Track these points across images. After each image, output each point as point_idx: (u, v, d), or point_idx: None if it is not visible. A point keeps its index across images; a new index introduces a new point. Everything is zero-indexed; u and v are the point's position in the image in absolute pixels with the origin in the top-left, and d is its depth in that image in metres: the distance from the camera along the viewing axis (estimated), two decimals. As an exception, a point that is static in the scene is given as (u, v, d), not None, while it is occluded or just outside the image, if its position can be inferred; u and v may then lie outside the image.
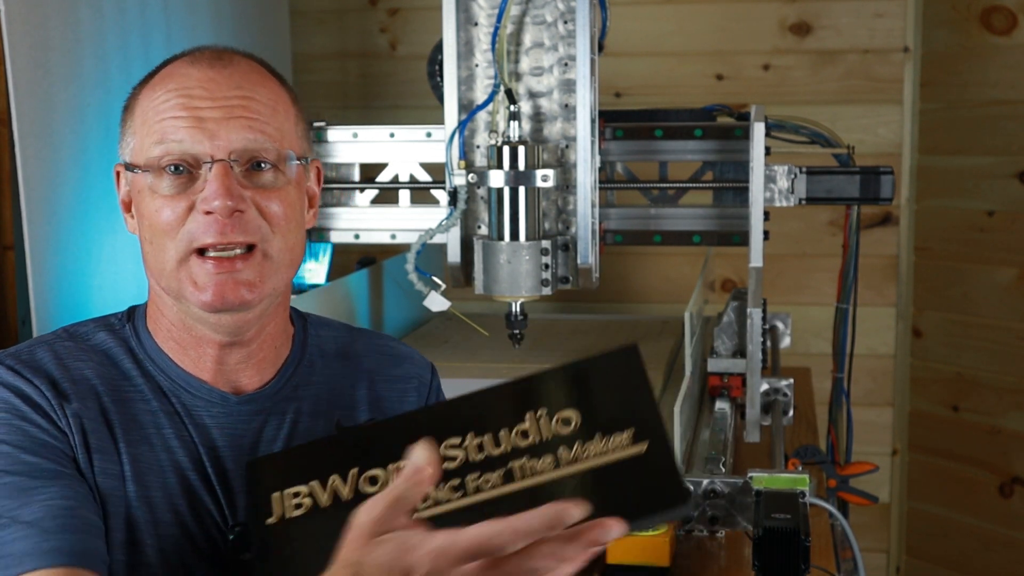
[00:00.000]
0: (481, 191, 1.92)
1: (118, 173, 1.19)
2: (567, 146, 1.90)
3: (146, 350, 1.18)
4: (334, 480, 1.03)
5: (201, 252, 1.11)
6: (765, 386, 1.85)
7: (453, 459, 1.01)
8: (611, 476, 0.98)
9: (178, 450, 1.15)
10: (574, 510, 0.85)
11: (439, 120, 1.92)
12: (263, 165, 1.13)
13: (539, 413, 1.03)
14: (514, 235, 1.82)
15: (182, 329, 1.16)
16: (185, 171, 1.11)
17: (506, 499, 0.98)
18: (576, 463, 0.99)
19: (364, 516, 0.87)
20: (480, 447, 1.02)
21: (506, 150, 1.80)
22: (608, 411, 1.03)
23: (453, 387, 1.95)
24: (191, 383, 1.17)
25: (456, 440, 1.02)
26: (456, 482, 1.00)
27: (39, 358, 1.14)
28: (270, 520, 1.03)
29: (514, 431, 1.02)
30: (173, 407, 1.16)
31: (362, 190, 2.13)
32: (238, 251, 1.11)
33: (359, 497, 1.01)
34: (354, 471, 1.03)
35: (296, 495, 1.03)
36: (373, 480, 1.02)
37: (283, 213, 1.13)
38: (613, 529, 0.86)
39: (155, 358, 1.18)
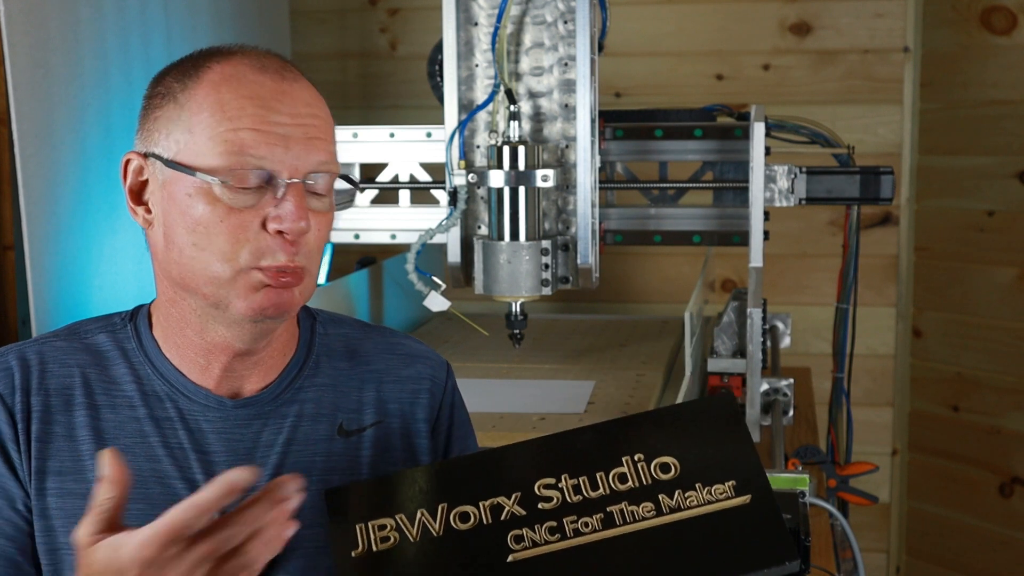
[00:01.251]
0: (481, 191, 1.92)
1: (130, 160, 1.12)
2: (567, 146, 1.90)
3: (145, 352, 1.16)
4: (422, 514, 1.02)
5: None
6: (765, 386, 1.85)
7: (549, 500, 1.00)
8: (714, 526, 0.97)
9: (163, 459, 1.13)
10: (242, 474, 0.88)
11: (439, 120, 1.92)
12: (320, 192, 1.11)
13: (636, 457, 1.02)
14: (514, 235, 1.82)
15: (197, 334, 1.13)
16: (258, 185, 1.07)
17: (608, 544, 0.97)
18: (679, 511, 0.98)
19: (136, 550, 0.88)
20: (576, 488, 1.01)
21: (506, 150, 1.80)
22: (708, 460, 1.01)
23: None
24: (188, 387, 1.15)
25: (551, 480, 1.01)
26: (553, 524, 0.99)
27: (12, 366, 1.13)
28: (355, 552, 1.01)
29: (611, 474, 1.01)
30: (166, 412, 1.14)
31: (362, 190, 2.13)
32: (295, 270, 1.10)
33: (450, 533, 1.00)
34: (443, 506, 1.02)
35: (382, 527, 1.02)
36: (464, 517, 1.01)
37: (325, 236, 1.13)
38: (288, 484, 0.90)
39: (154, 361, 1.16)
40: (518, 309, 1.89)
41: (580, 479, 1.01)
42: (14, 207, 1.73)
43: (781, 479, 1.41)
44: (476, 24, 1.89)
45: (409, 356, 1.28)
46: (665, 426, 1.06)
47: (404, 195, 2.11)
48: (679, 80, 2.89)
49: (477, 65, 1.90)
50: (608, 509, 0.99)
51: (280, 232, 1.07)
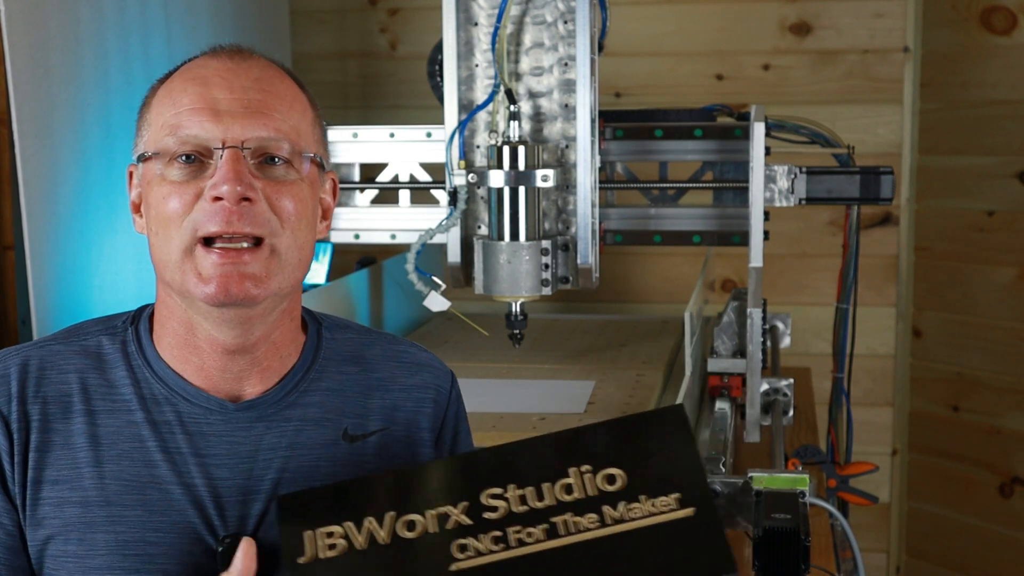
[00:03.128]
0: (481, 191, 1.92)
1: (131, 174, 1.17)
2: (567, 146, 1.90)
3: (145, 355, 1.16)
4: (370, 522, 1.02)
5: (207, 243, 1.08)
6: (765, 386, 1.85)
7: (494, 509, 1.01)
8: (656, 538, 0.98)
9: (161, 464, 1.11)
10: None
11: (439, 120, 1.92)
12: (276, 160, 1.10)
13: (583, 468, 1.03)
14: (514, 235, 1.82)
15: (187, 332, 1.13)
16: (196, 160, 1.08)
17: (550, 554, 0.98)
18: (622, 523, 0.99)
19: None
20: (523, 499, 1.01)
21: (506, 150, 1.80)
22: (654, 472, 1.02)
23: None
24: (188, 391, 1.14)
25: (497, 490, 1.02)
26: (498, 533, 0.99)
27: (10, 373, 1.13)
28: (301, 559, 1.01)
29: (557, 485, 1.02)
30: (165, 416, 1.13)
31: (362, 190, 2.13)
32: (245, 244, 1.08)
33: (397, 541, 1.00)
34: (391, 514, 1.02)
35: (330, 535, 1.02)
36: (411, 525, 1.01)
37: (294, 209, 1.10)
38: None
39: (153, 364, 1.15)
40: (518, 309, 1.89)
41: (527, 489, 1.02)
42: (14, 207, 1.73)
43: (781, 479, 1.41)
44: (476, 24, 1.89)
45: (415, 365, 1.27)
46: (615, 437, 1.06)
47: (404, 195, 2.11)
48: (679, 80, 2.89)
49: (477, 65, 1.90)
50: (552, 520, 0.99)
51: (218, 199, 1.06)
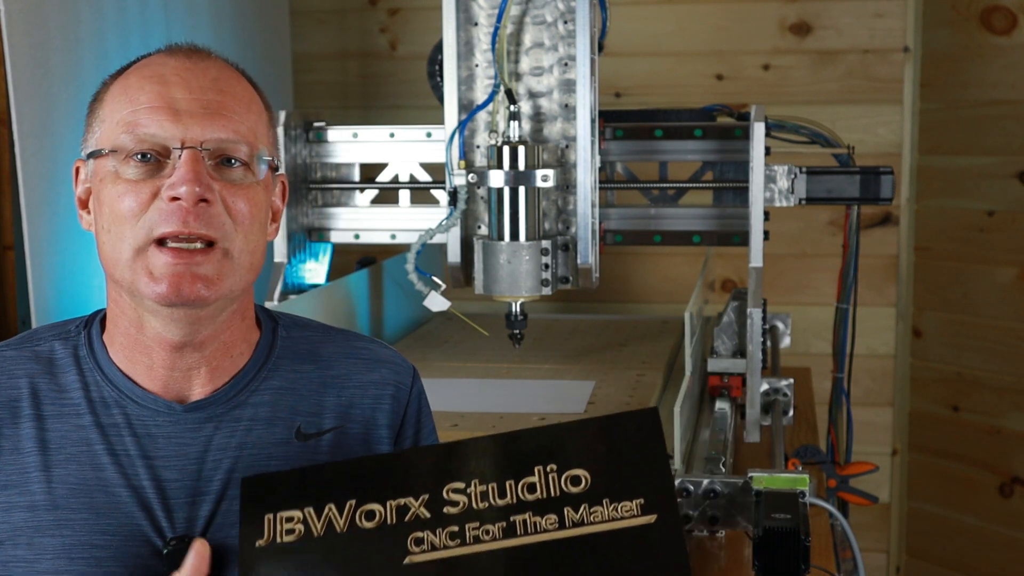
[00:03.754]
0: (481, 191, 1.92)
1: (77, 169, 1.16)
2: (567, 146, 1.90)
3: (96, 359, 1.15)
4: (330, 509, 1.02)
5: (160, 243, 1.06)
6: (765, 386, 1.85)
7: (455, 504, 1.00)
8: (615, 543, 0.97)
9: (108, 467, 1.11)
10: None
11: (439, 120, 1.92)
12: (234, 162, 1.10)
13: (549, 468, 1.02)
14: (514, 235, 1.82)
15: (136, 330, 1.12)
16: (153, 159, 1.07)
17: (505, 553, 0.98)
18: (582, 526, 0.98)
19: None
20: (484, 495, 1.01)
21: (506, 150, 1.80)
22: (620, 475, 1.01)
23: (454, 387, 1.96)
24: (136, 393, 1.13)
25: (460, 485, 1.01)
26: (455, 528, 0.99)
27: None
28: (260, 542, 1.01)
29: (521, 483, 1.01)
30: (113, 418, 1.12)
31: (362, 190, 2.13)
32: (199, 245, 1.07)
33: (354, 530, 1.00)
34: (351, 502, 1.02)
35: (289, 519, 1.02)
36: (370, 515, 1.01)
37: (248, 212, 1.10)
38: None
39: (103, 367, 1.15)
40: (518, 309, 1.89)
41: (490, 485, 1.01)
42: (14, 207, 1.73)
43: (781, 479, 1.41)
44: (476, 24, 1.89)
45: (373, 361, 1.25)
46: (585, 437, 1.05)
47: (404, 195, 2.11)
48: (679, 80, 2.89)
49: (477, 65, 1.90)
50: (512, 518, 0.99)
51: (175, 199, 1.06)
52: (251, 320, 1.20)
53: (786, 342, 2.43)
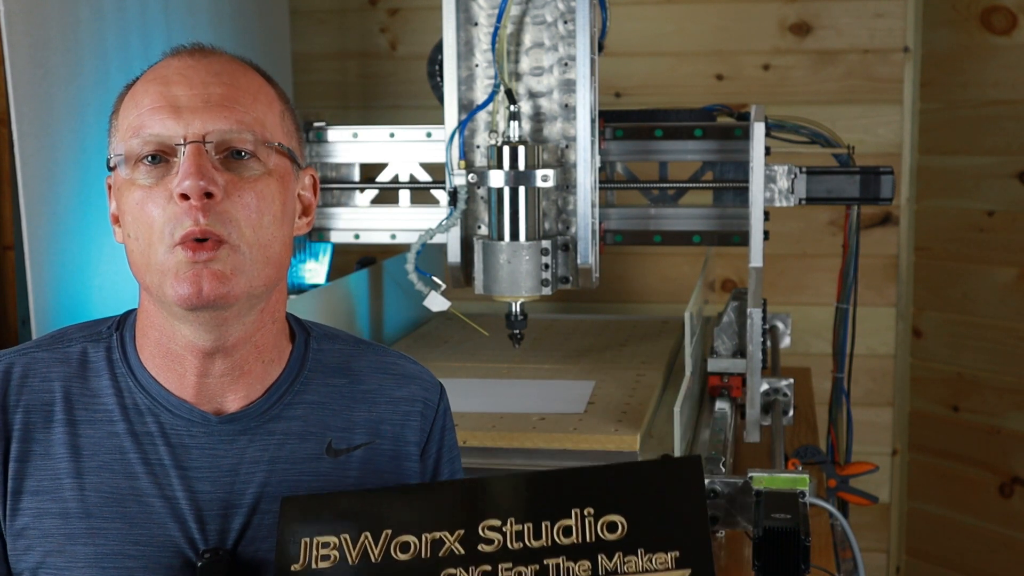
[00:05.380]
0: (481, 191, 1.92)
1: (109, 187, 1.15)
2: (567, 146, 1.90)
3: (129, 364, 1.14)
4: (366, 537, 1.01)
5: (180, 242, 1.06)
6: (765, 386, 1.85)
7: (490, 542, 0.99)
8: None
9: (142, 476, 1.10)
10: None
11: (439, 120, 1.92)
12: (243, 154, 1.08)
13: (586, 511, 1.01)
14: (514, 235, 1.82)
15: (167, 339, 1.11)
16: (161, 160, 1.07)
17: None
18: (615, 575, 0.97)
19: None
20: (519, 535, 1.00)
21: (506, 150, 1.80)
22: (657, 524, 0.99)
23: (453, 387, 1.96)
24: (171, 402, 1.12)
25: (496, 522, 1.01)
26: (487, 568, 0.98)
27: None
28: (295, 567, 1.01)
29: (557, 525, 1.00)
30: (147, 427, 1.12)
31: (362, 190, 2.13)
32: (208, 240, 1.06)
33: (388, 561, 1.00)
34: (387, 532, 1.01)
35: (326, 545, 1.01)
36: (405, 547, 1.01)
37: (256, 205, 1.08)
38: None
39: (137, 373, 1.14)
40: (518, 309, 1.89)
41: (526, 525, 1.00)
42: (14, 207, 1.73)
43: (781, 479, 1.41)
44: (476, 24, 1.89)
45: (403, 376, 1.25)
46: (625, 482, 1.04)
47: (404, 195, 2.11)
48: (679, 80, 2.89)
49: (477, 65, 1.90)
50: (545, 561, 0.98)
51: (184, 197, 1.05)
52: (282, 324, 1.19)
53: (786, 342, 2.43)
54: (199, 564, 1.09)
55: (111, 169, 1.12)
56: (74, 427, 1.11)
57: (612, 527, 0.99)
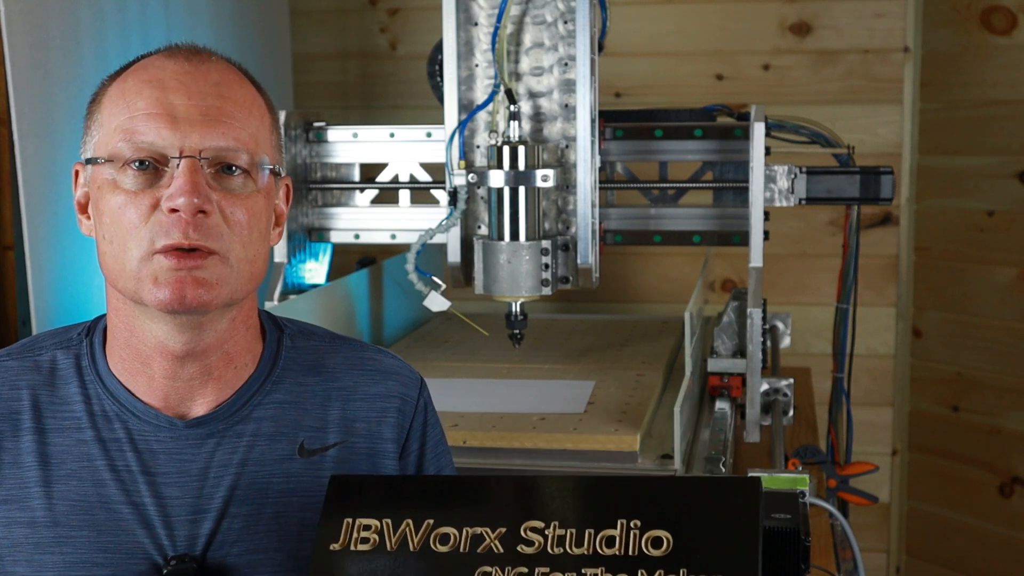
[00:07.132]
0: (481, 191, 1.92)
1: (76, 172, 1.14)
2: (567, 146, 1.90)
3: (97, 370, 1.13)
4: (407, 524, 1.00)
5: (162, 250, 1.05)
6: (765, 386, 1.85)
7: (530, 543, 0.98)
8: None
9: (110, 483, 1.10)
10: None
11: (439, 120, 1.92)
12: (234, 170, 1.07)
13: (632, 523, 0.97)
14: (514, 235, 1.82)
15: (137, 338, 1.10)
16: (151, 167, 1.05)
17: None
18: None
19: None
20: (561, 540, 0.97)
21: (506, 150, 1.80)
22: (704, 546, 0.95)
23: (454, 387, 1.96)
24: (138, 407, 1.11)
25: (539, 524, 0.98)
26: (524, 570, 0.96)
27: None
28: (334, 545, 1.00)
29: (600, 535, 0.97)
30: (115, 433, 1.11)
31: (362, 190, 2.13)
32: (198, 251, 1.05)
33: (426, 551, 0.99)
34: (429, 522, 1.00)
35: (367, 528, 1.01)
36: (444, 538, 1.00)
37: (247, 222, 1.07)
38: None
39: (105, 379, 1.13)
40: (518, 309, 1.89)
41: (569, 531, 0.98)
42: (14, 207, 1.73)
43: (781, 479, 1.41)
44: (476, 24, 1.89)
45: (379, 372, 1.22)
46: (676, 497, 1.00)
47: (404, 195, 2.11)
48: (679, 80, 2.89)
49: (477, 65, 1.90)
50: (583, 571, 0.95)
51: (174, 210, 1.03)
52: (255, 331, 1.18)
53: (786, 342, 2.43)
54: (165, 572, 1.08)
55: (87, 162, 1.10)
56: (43, 435, 1.11)
57: (657, 543, 0.96)
